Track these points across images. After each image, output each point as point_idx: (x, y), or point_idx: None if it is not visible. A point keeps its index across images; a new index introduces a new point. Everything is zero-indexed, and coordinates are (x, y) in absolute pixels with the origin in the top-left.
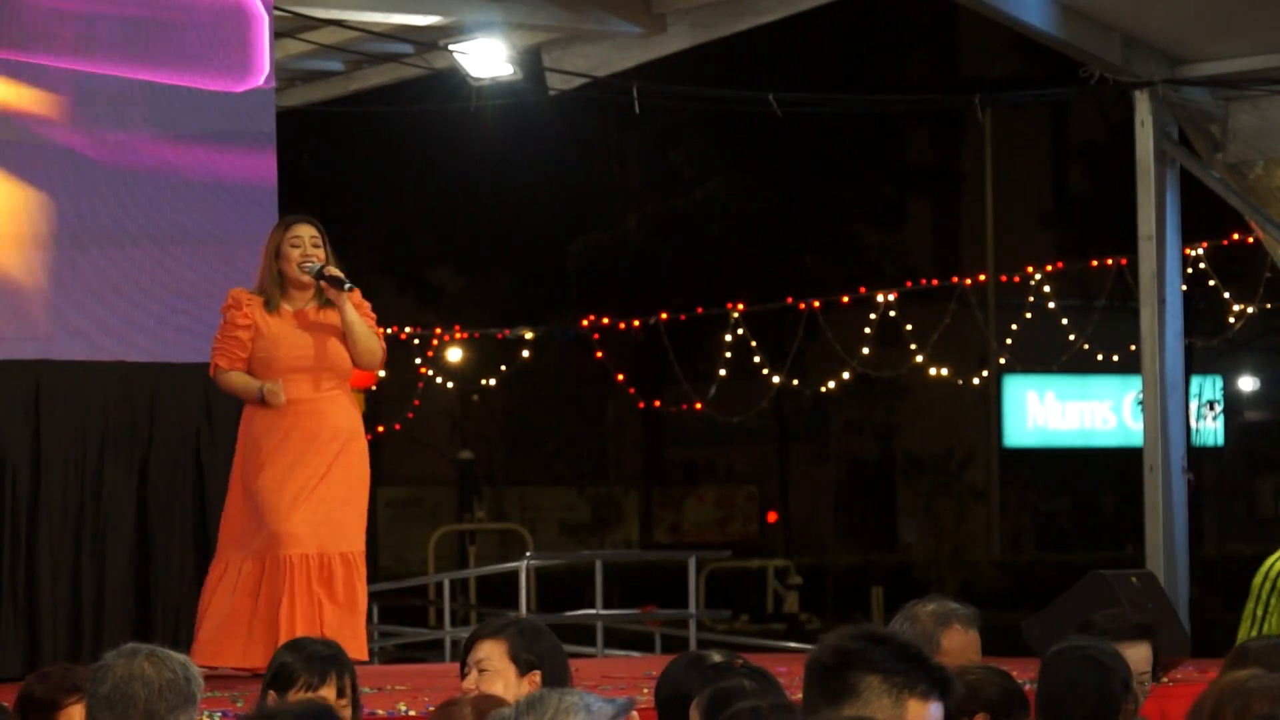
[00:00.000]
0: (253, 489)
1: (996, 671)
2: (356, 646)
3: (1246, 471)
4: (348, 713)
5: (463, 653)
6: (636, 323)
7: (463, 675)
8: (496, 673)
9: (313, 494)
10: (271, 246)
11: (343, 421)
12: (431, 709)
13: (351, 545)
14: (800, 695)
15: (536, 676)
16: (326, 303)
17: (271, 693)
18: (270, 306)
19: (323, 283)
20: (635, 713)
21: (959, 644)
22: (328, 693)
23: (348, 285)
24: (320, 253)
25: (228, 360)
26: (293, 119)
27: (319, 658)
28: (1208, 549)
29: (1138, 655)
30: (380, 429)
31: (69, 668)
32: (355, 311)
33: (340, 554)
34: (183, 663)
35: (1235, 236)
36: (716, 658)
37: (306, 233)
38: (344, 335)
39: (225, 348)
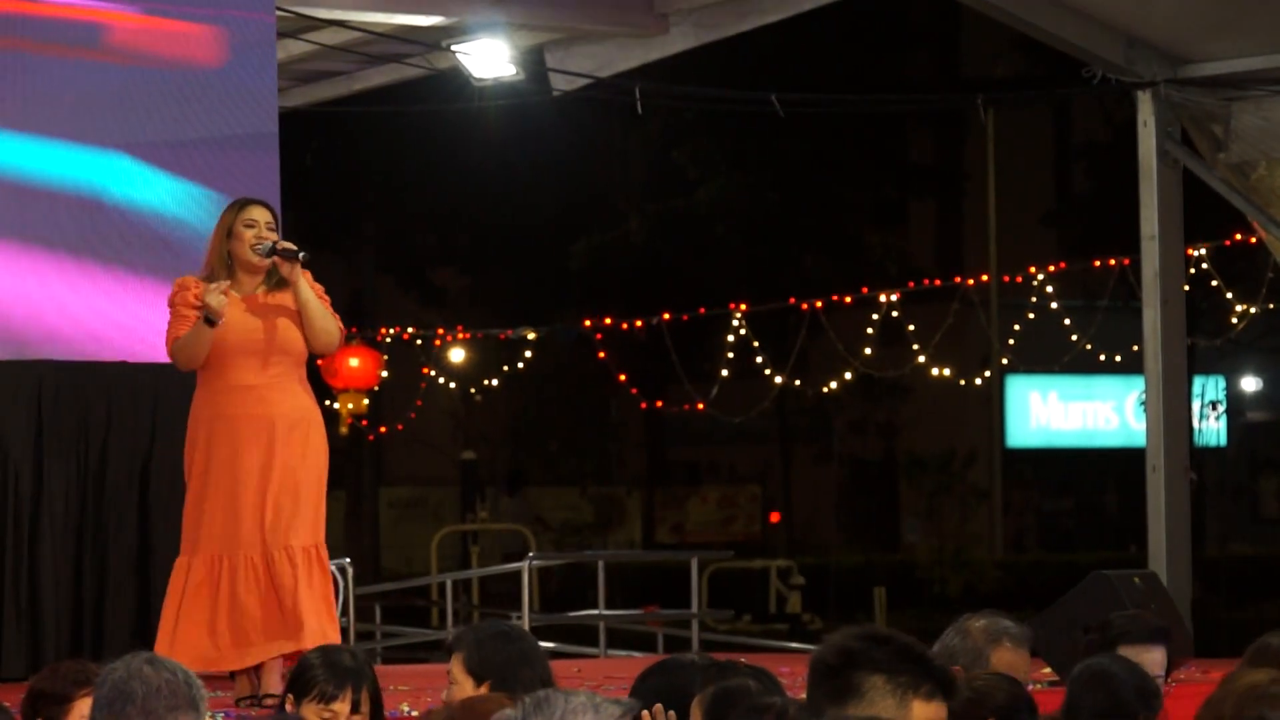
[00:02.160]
0: (203, 481)
1: (1004, 678)
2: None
3: (1249, 472)
4: None
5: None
6: (639, 323)
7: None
8: (459, 685)
9: (267, 486)
10: (223, 227)
11: (294, 407)
12: (432, 708)
13: (314, 538)
14: (803, 695)
15: (485, 687)
16: (277, 285)
17: (290, 696)
18: None
19: (275, 258)
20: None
21: (1007, 662)
22: (340, 708)
23: (302, 255)
24: (274, 235)
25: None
26: (295, 119)
27: (340, 669)
28: (1210, 549)
29: (1153, 659)
30: (383, 429)
31: (81, 663)
32: (310, 290)
33: (302, 548)
34: (183, 668)
35: (1238, 237)
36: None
37: (262, 216)
38: (298, 315)
39: (175, 329)
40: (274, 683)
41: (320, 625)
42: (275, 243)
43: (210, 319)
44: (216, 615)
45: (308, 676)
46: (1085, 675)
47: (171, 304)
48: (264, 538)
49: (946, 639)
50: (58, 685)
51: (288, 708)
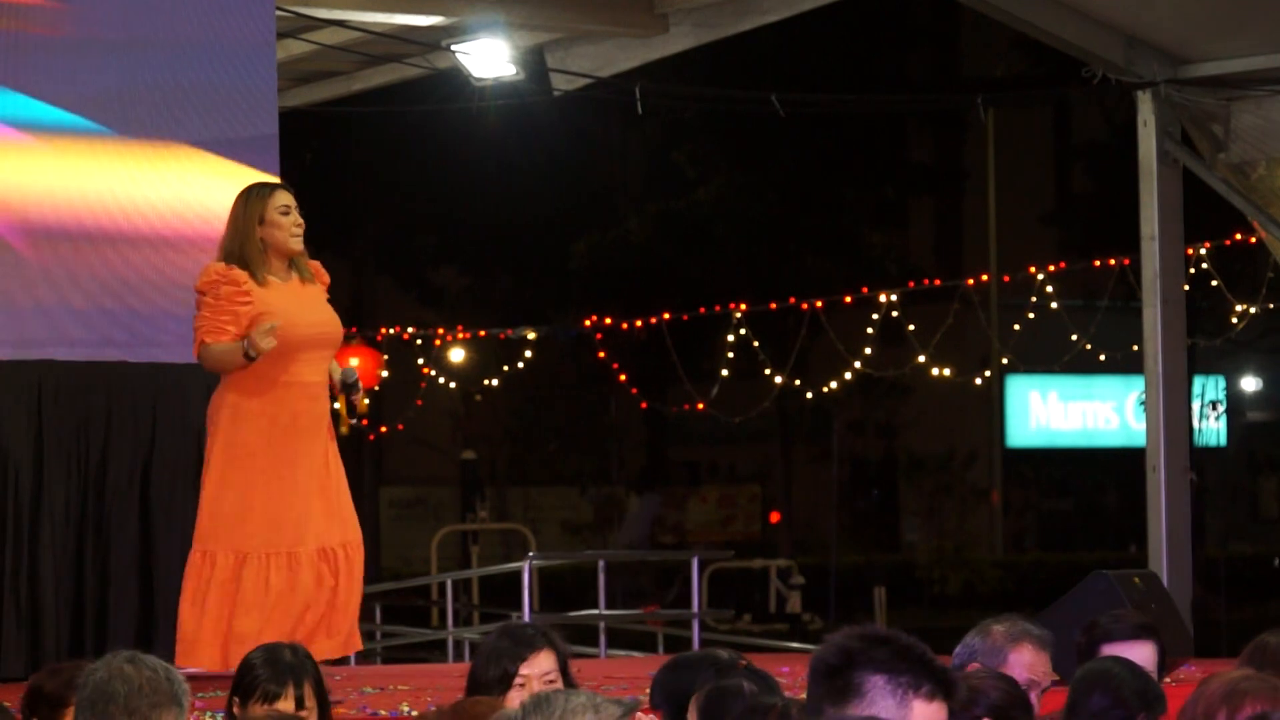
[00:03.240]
0: (249, 475)
1: (1000, 676)
2: (357, 639)
3: (1249, 472)
4: (312, 718)
5: (503, 667)
6: (639, 323)
7: (503, 691)
8: (558, 685)
9: (326, 482)
10: (253, 215)
11: (328, 404)
12: (434, 708)
13: (357, 533)
14: (804, 695)
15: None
16: (306, 276)
17: (236, 699)
18: (257, 278)
19: (342, 393)
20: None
21: (1026, 663)
22: (285, 705)
23: (343, 430)
24: (304, 223)
25: (214, 337)
26: (295, 119)
27: (282, 665)
28: (1210, 549)
29: (1142, 656)
30: (383, 429)
31: (80, 664)
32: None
33: (351, 542)
34: (164, 665)
35: (1238, 236)
36: (723, 655)
37: (291, 200)
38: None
39: (217, 323)
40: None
41: (355, 629)
42: (356, 397)
43: (251, 355)
44: (274, 609)
45: (250, 678)
46: (1087, 676)
47: (204, 292)
48: (322, 535)
49: (968, 639)
50: (56, 688)
51: (235, 711)
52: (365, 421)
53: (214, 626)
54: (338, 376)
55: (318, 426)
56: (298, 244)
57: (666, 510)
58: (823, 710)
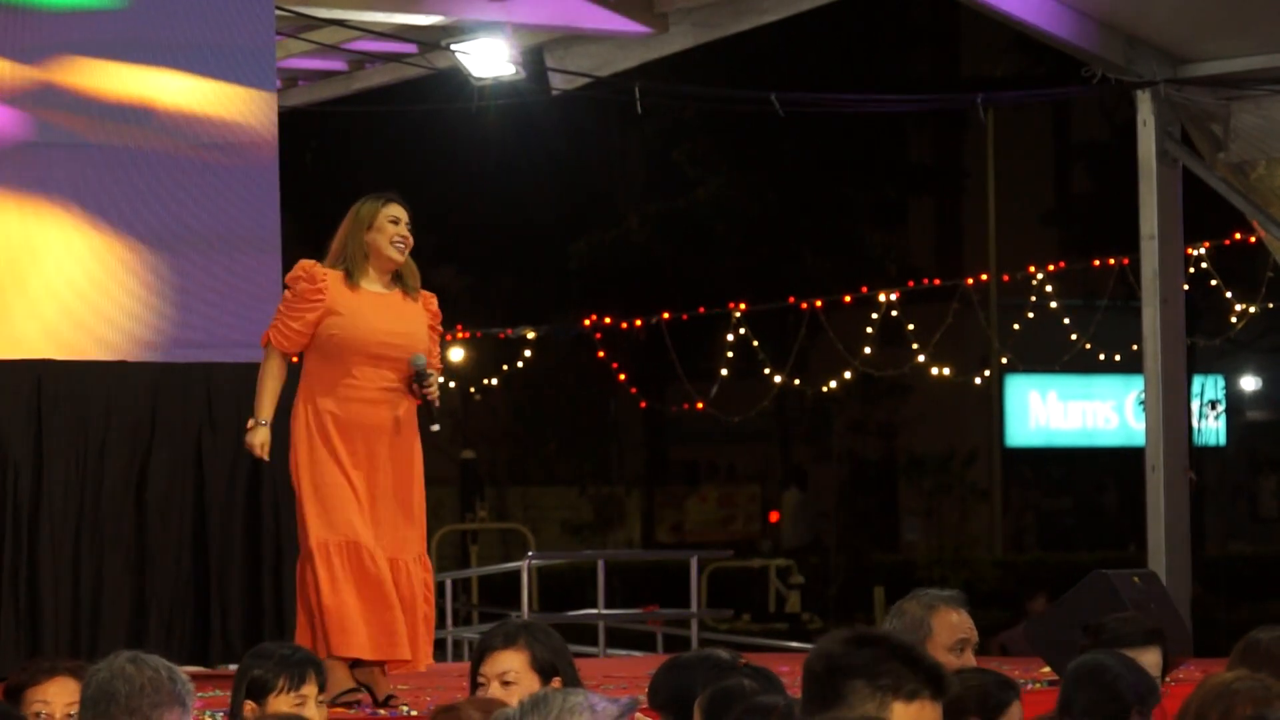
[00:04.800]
0: (359, 479)
1: (986, 672)
2: (429, 654)
3: (1248, 471)
4: (321, 713)
5: (474, 665)
6: (639, 322)
7: (474, 689)
8: (521, 685)
9: (390, 491)
10: (364, 217)
11: (408, 412)
12: (434, 708)
13: (422, 545)
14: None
15: (558, 682)
16: (409, 290)
17: (250, 703)
18: (351, 280)
19: (416, 386)
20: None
21: (952, 623)
22: (309, 690)
23: (434, 428)
24: (411, 239)
25: (278, 337)
26: (295, 119)
27: (293, 660)
28: (1210, 549)
29: (1148, 661)
30: None
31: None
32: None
33: (419, 555)
34: (168, 665)
35: (1237, 236)
36: (723, 655)
37: (404, 214)
38: (426, 326)
39: (283, 324)
40: (385, 683)
41: (427, 645)
42: (430, 386)
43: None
44: (372, 606)
45: (266, 679)
46: (1079, 671)
47: (291, 284)
48: (398, 545)
49: (887, 624)
50: (20, 678)
51: (247, 715)
52: (437, 403)
53: (357, 613)
54: (415, 366)
55: (381, 433)
56: (396, 253)
57: (666, 509)
58: (814, 715)
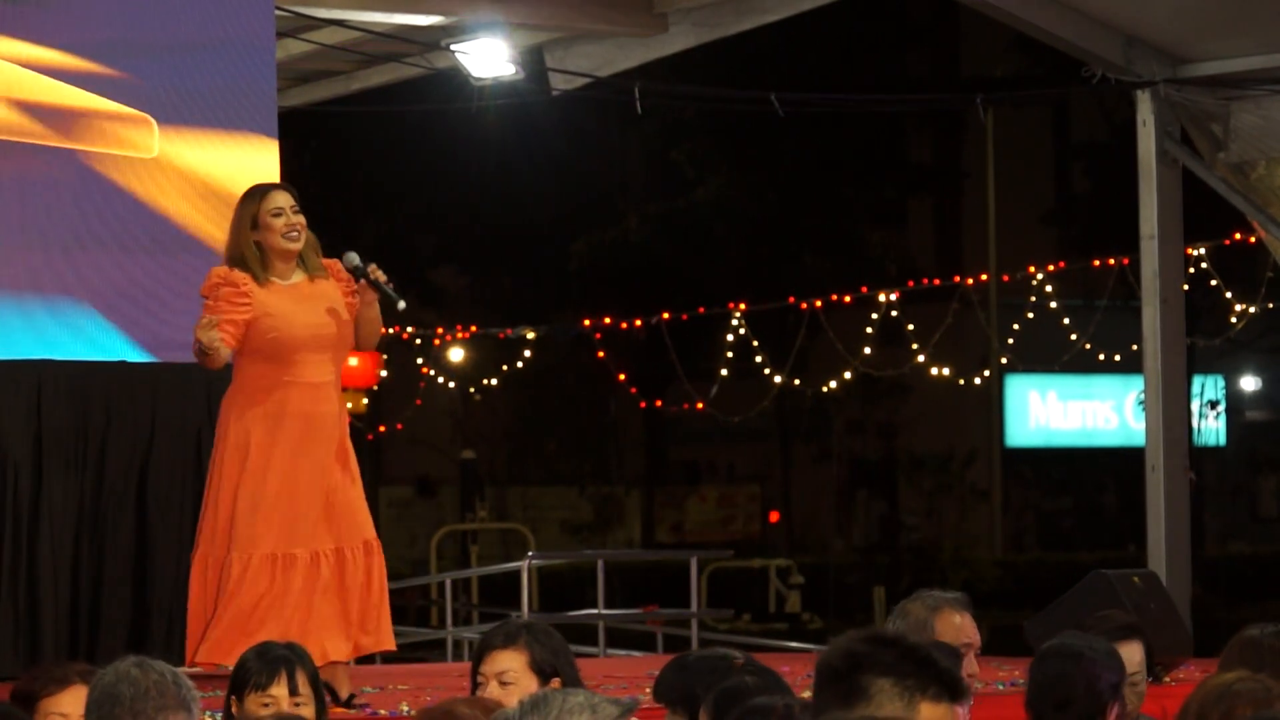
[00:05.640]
0: (261, 478)
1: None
2: (389, 635)
3: (1248, 471)
4: (307, 710)
5: (474, 664)
6: (638, 322)
7: (474, 689)
8: (520, 685)
9: (334, 483)
10: (246, 217)
11: (342, 404)
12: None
13: (372, 532)
14: (805, 694)
15: (557, 682)
16: (316, 271)
17: (233, 698)
18: (261, 280)
19: (362, 281)
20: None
21: (955, 625)
22: (278, 691)
23: (400, 306)
24: (303, 219)
25: (224, 336)
26: (294, 119)
27: (273, 657)
28: (1210, 549)
29: (1127, 655)
30: (382, 428)
31: (63, 665)
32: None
33: (365, 542)
34: (173, 669)
35: (1237, 236)
36: (731, 654)
37: (286, 200)
38: (348, 309)
39: (227, 322)
40: (347, 683)
41: (388, 623)
42: (372, 269)
43: (205, 350)
44: (294, 609)
45: (244, 671)
46: (1047, 653)
47: (206, 296)
48: (339, 534)
49: (889, 625)
50: (26, 684)
51: (234, 711)
52: (388, 281)
53: (229, 626)
54: (347, 267)
55: (323, 427)
56: (291, 244)
57: (666, 509)
58: (830, 713)
